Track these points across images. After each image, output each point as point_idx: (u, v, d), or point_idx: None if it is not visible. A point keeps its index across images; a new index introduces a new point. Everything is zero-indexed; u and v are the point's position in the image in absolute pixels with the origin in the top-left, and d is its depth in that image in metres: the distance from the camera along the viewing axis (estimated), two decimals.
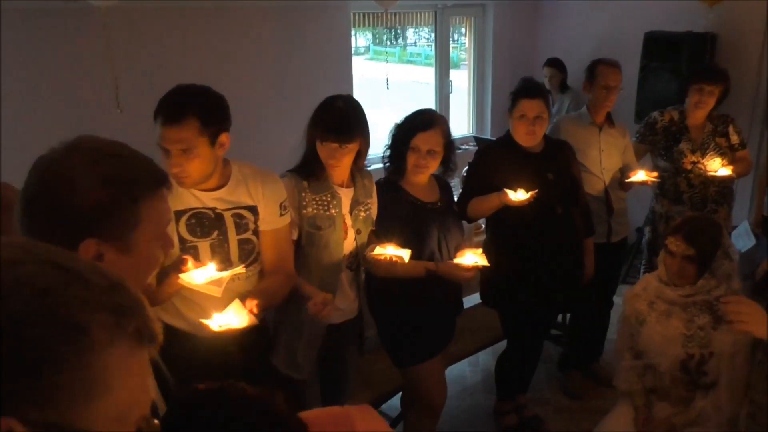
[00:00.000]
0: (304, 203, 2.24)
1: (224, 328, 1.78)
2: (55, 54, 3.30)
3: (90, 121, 3.37)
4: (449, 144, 2.54)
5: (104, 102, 3.25)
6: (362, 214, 2.37)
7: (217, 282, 1.80)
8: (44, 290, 0.54)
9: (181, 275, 1.79)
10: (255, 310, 1.85)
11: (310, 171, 2.27)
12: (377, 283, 2.57)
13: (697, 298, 2.35)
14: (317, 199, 2.26)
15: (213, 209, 1.98)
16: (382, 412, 3.37)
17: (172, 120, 1.82)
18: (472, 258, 2.41)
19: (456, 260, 2.44)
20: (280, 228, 2.12)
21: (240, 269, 1.98)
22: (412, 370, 2.68)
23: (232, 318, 1.80)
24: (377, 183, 2.55)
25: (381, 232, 2.44)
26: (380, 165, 2.68)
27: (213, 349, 1.87)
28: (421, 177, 2.53)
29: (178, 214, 1.92)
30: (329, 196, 2.28)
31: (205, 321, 1.80)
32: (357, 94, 4.81)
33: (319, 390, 2.46)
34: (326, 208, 2.27)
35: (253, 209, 2.05)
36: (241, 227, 2.02)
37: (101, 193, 1.02)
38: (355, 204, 2.35)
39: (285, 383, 2.36)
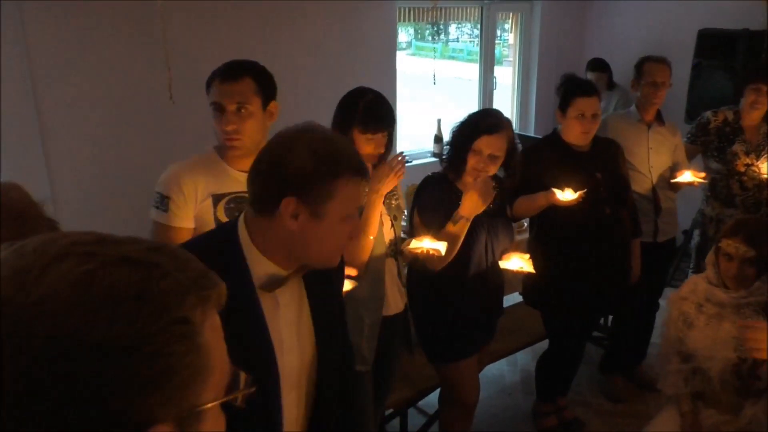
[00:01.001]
0: None
1: None
2: (109, 42, 3.37)
3: (143, 111, 3.44)
4: (513, 148, 2.50)
5: (158, 93, 3.31)
6: (393, 203, 2.39)
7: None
8: (137, 296, 0.54)
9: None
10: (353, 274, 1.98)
11: None
12: (418, 278, 2.56)
13: (750, 299, 2.29)
14: None
15: None
16: (420, 409, 3.37)
17: (230, 77, 1.92)
18: (518, 263, 2.40)
19: (502, 264, 2.43)
20: None
21: None
22: (446, 367, 2.67)
23: None
24: (430, 177, 2.54)
25: (429, 227, 2.42)
26: (422, 161, 2.66)
27: None
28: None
29: (218, 197, 1.94)
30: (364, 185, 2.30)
31: None
32: (400, 90, 4.83)
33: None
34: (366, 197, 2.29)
35: None
36: None
37: (307, 161, 1.23)
38: (386, 197, 2.36)
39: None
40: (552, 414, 3.33)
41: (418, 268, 2.50)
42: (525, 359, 3.90)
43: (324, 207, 1.25)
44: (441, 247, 2.26)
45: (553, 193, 2.63)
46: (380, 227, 2.31)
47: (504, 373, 3.87)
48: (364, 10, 4.37)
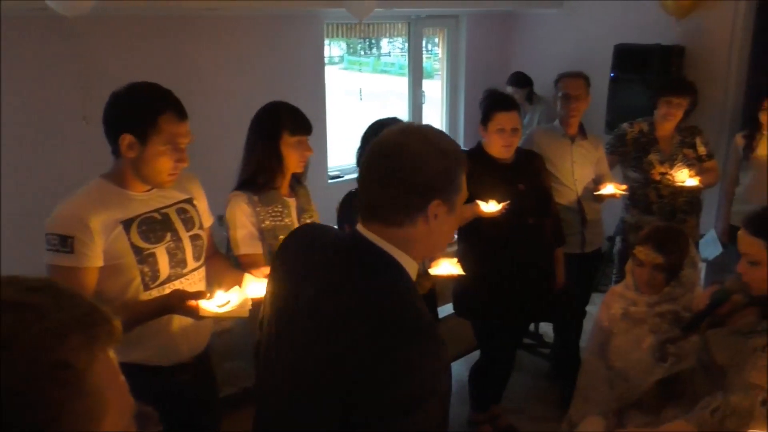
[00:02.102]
0: (261, 217, 2.26)
1: (223, 311, 1.79)
2: (23, 61, 3.24)
3: (55, 131, 3.32)
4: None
5: (71, 112, 3.20)
6: (308, 220, 2.40)
7: (242, 304, 1.82)
8: (8, 341, 0.50)
9: (202, 306, 1.78)
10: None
11: (256, 185, 2.28)
12: None
13: (663, 307, 2.38)
14: (270, 210, 2.29)
15: (158, 210, 1.94)
16: None
17: (184, 115, 1.85)
18: (447, 267, 2.42)
19: (431, 270, 2.45)
20: (212, 224, 2.19)
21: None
22: None
23: (235, 299, 1.82)
24: (353, 192, 2.55)
25: None
26: (353, 176, 2.66)
27: (169, 381, 1.92)
28: None
29: (128, 222, 1.85)
30: (280, 206, 2.32)
31: (203, 303, 1.79)
32: (330, 105, 4.84)
33: None
34: (281, 218, 2.30)
35: (190, 201, 2.04)
36: (188, 223, 2.00)
37: (442, 161, 1.23)
38: (301, 212, 2.39)
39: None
40: (486, 423, 3.38)
41: None
42: (459, 369, 3.92)
43: (458, 199, 1.28)
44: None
45: (478, 205, 2.67)
46: None
47: None
48: (291, 26, 4.36)
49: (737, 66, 4.56)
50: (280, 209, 2.30)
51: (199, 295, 1.82)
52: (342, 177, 4.83)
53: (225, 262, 2.22)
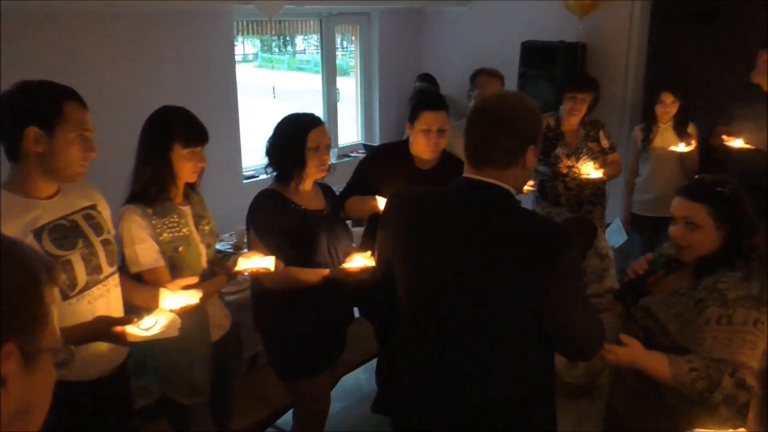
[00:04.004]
0: (158, 230, 2.15)
1: (150, 334, 1.77)
2: None
3: None
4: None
5: None
6: (206, 227, 2.32)
7: (170, 324, 1.80)
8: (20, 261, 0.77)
9: (129, 332, 1.75)
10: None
11: (149, 197, 2.15)
12: (262, 295, 2.51)
13: None
14: (166, 222, 2.17)
15: (65, 217, 1.86)
16: (278, 428, 3.31)
17: (85, 104, 1.82)
18: (361, 261, 2.39)
19: (345, 265, 2.41)
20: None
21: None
22: (296, 383, 2.62)
23: (162, 320, 1.81)
24: (262, 194, 2.49)
25: (269, 246, 2.38)
26: (267, 177, 2.59)
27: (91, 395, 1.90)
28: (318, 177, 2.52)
29: (39, 231, 1.77)
30: (176, 216, 2.21)
31: (130, 328, 1.76)
32: (242, 103, 4.75)
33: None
34: (178, 228, 2.19)
35: (94, 208, 1.97)
36: (96, 228, 1.93)
37: (537, 109, 1.62)
38: (198, 219, 2.29)
39: (179, 413, 2.31)
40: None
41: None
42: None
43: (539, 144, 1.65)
44: (269, 262, 2.23)
45: (376, 201, 2.66)
46: (199, 255, 2.25)
47: (361, 382, 3.89)
48: (199, 24, 4.25)
49: (636, 62, 4.79)
50: (177, 219, 2.19)
51: (124, 321, 1.78)
52: (257, 177, 4.74)
53: (131, 279, 2.11)
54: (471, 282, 1.57)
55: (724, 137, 3.74)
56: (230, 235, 3.79)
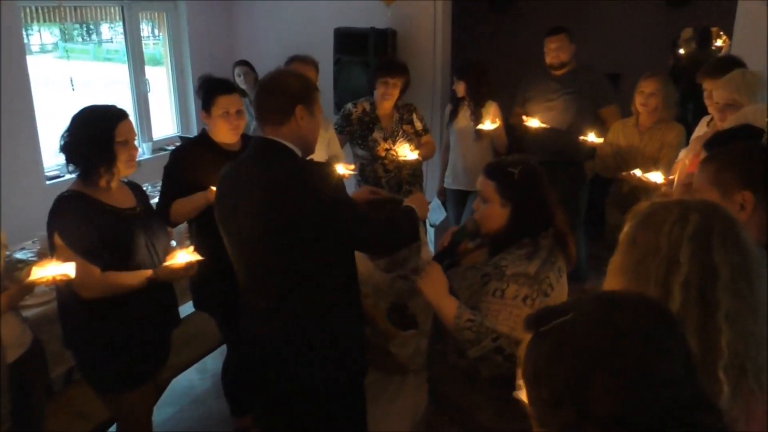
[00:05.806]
0: None
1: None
2: None
3: None
4: None
5: None
6: None
7: None
8: None
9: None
10: None
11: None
12: (71, 306, 2.31)
13: (395, 273, 2.58)
14: None
15: None
16: None
17: None
18: (184, 257, 2.29)
19: (168, 263, 2.30)
20: None
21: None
22: (116, 398, 2.44)
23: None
24: (65, 196, 2.28)
25: (79, 252, 2.18)
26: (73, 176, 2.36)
27: None
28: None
29: None
30: None
31: None
32: (38, 97, 4.33)
33: None
34: None
35: None
36: None
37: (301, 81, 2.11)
38: None
39: None
40: (254, 427, 3.20)
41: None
42: (214, 364, 3.80)
43: (315, 108, 2.14)
44: (69, 268, 2.05)
45: (212, 192, 2.59)
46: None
47: (194, 382, 3.76)
48: None
49: (441, 47, 5.05)
50: None
51: None
52: (62, 177, 4.36)
53: None
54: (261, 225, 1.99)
55: (523, 117, 4.07)
56: (33, 242, 3.43)
